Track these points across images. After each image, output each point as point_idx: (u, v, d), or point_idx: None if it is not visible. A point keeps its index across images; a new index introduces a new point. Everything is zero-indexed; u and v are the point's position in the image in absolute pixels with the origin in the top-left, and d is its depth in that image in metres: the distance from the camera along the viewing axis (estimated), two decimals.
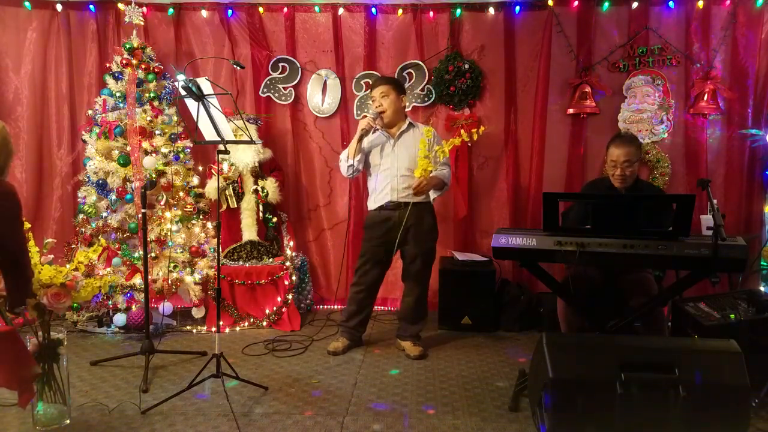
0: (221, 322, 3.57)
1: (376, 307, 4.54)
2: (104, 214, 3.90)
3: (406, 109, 4.36)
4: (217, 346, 2.90)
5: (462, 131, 3.21)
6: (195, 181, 4.12)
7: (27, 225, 2.54)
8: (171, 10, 4.36)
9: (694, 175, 4.16)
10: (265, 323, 4.07)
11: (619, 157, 3.06)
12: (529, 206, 4.40)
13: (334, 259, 4.62)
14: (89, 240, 3.87)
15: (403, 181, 3.41)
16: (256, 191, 4.18)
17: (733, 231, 3.99)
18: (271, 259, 4.19)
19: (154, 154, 3.95)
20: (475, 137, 3.29)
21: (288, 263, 4.14)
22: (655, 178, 4.21)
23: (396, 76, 4.36)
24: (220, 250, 3.29)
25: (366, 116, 3.43)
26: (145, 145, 3.94)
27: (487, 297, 4.04)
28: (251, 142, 3.25)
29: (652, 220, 2.94)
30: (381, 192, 3.46)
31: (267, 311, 4.08)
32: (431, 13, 4.32)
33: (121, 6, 4.26)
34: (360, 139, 3.40)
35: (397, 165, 3.42)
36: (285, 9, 4.37)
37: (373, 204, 3.52)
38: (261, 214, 4.24)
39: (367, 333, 3.94)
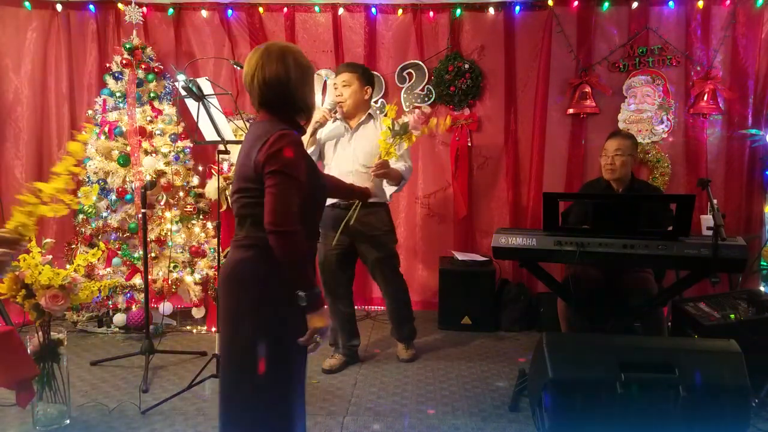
0: None
1: (376, 307, 4.56)
2: (104, 214, 3.90)
3: (406, 109, 4.40)
4: (217, 346, 2.90)
5: (423, 127, 2.96)
6: (195, 181, 4.12)
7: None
8: (171, 10, 4.36)
9: (694, 175, 4.16)
10: None
11: (610, 146, 3.12)
12: (529, 206, 4.40)
13: None
14: (89, 240, 3.87)
15: (359, 177, 3.04)
16: None
17: (733, 231, 3.99)
18: None
19: (154, 154, 3.95)
20: (442, 129, 3.12)
21: None
22: (655, 178, 4.21)
23: (396, 76, 4.37)
24: (220, 250, 3.29)
25: (321, 108, 3.14)
26: (145, 145, 3.94)
27: (487, 297, 4.04)
28: None
29: (652, 219, 2.94)
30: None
31: None
32: (431, 13, 4.32)
33: (121, 6, 4.25)
34: (313, 132, 3.11)
35: (353, 160, 3.14)
36: (285, 9, 4.37)
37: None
38: None
39: (367, 333, 3.94)
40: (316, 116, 3.09)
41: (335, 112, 3.19)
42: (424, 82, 4.36)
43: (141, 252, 3.72)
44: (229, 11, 4.37)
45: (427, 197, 4.50)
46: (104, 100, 3.99)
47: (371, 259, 3.30)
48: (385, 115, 2.96)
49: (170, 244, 3.90)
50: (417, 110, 2.91)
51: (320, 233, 3.19)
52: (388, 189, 3.22)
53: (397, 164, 3.11)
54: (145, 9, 4.20)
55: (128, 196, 3.89)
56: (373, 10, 4.34)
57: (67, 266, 2.62)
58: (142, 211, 3.23)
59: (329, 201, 3.08)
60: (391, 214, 3.38)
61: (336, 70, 3.35)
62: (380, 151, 2.95)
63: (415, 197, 4.52)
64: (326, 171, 3.24)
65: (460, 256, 4.21)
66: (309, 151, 3.14)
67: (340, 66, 3.31)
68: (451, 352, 3.64)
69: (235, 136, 3.49)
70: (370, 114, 3.25)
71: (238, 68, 4.07)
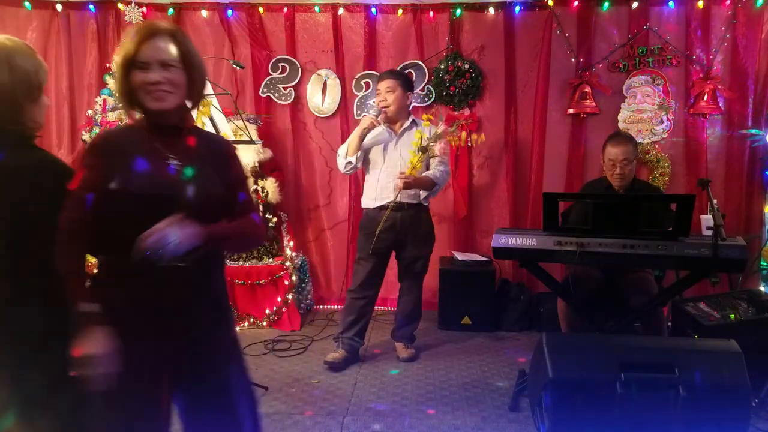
0: None
1: (377, 307, 4.54)
2: None
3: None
4: None
5: (463, 133, 3.15)
6: None
7: None
8: (171, 10, 4.36)
9: (694, 175, 4.16)
10: (265, 323, 4.07)
11: (618, 156, 3.07)
12: (529, 206, 4.40)
13: (334, 259, 4.62)
14: None
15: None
16: (255, 191, 4.18)
17: (733, 231, 3.99)
18: (271, 259, 4.19)
19: None
20: (478, 142, 3.24)
21: (288, 263, 4.14)
22: (655, 178, 4.21)
23: None
24: None
25: (367, 115, 3.34)
26: None
27: (487, 297, 4.04)
28: (251, 142, 3.26)
29: (652, 219, 2.95)
30: (383, 191, 3.31)
31: (267, 311, 4.08)
32: (431, 13, 4.32)
33: (121, 6, 4.26)
34: (361, 138, 3.29)
35: (400, 164, 3.28)
36: (285, 9, 4.37)
37: (372, 202, 3.39)
38: (261, 214, 4.24)
39: (367, 333, 3.92)
40: (364, 123, 3.26)
41: (378, 116, 3.30)
42: (424, 82, 4.36)
43: None
44: (229, 11, 4.37)
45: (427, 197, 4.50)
46: (104, 100, 3.99)
47: (410, 257, 3.41)
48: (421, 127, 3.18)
49: None
50: (441, 143, 3.14)
51: (364, 229, 3.35)
52: (421, 193, 3.34)
53: (433, 170, 3.28)
54: (145, 9, 4.20)
55: None
56: (373, 10, 4.34)
57: None
58: None
59: (376, 203, 3.29)
60: (431, 215, 3.53)
61: (379, 76, 3.51)
62: (409, 164, 3.13)
63: None
64: (374, 175, 3.37)
65: (460, 256, 4.21)
66: (356, 156, 3.28)
67: (383, 73, 3.46)
68: (451, 352, 3.63)
69: (235, 136, 3.49)
70: (414, 120, 3.39)
71: (238, 68, 4.07)
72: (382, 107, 3.30)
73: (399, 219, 3.32)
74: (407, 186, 3.20)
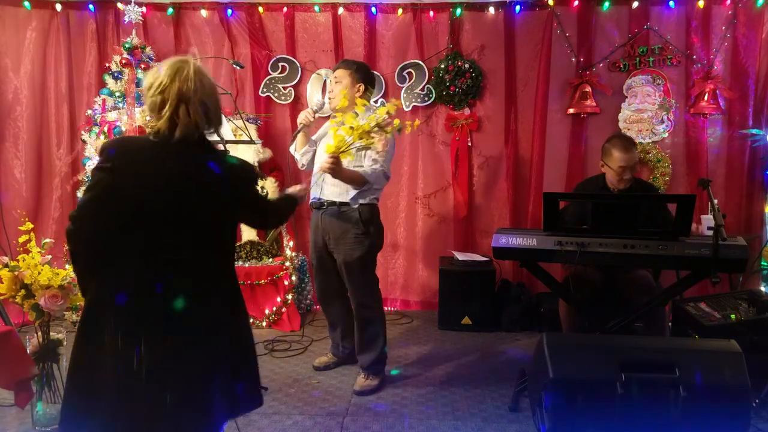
0: None
1: None
2: None
3: (407, 109, 4.40)
4: None
5: (394, 123, 2.58)
6: None
7: (29, 225, 2.55)
8: (170, 10, 4.36)
9: (695, 175, 4.16)
10: (264, 323, 4.07)
11: (629, 162, 3.04)
12: (529, 206, 4.40)
13: None
14: None
15: (331, 177, 2.80)
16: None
17: (734, 231, 3.99)
18: (271, 259, 4.19)
19: None
20: (408, 130, 2.69)
21: (288, 263, 4.13)
22: (655, 178, 4.21)
23: (395, 76, 4.37)
24: None
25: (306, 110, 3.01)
26: None
27: (487, 297, 4.04)
28: (251, 142, 3.26)
29: (652, 219, 2.94)
30: (312, 186, 3.02)
31: (267, 311, 4.07)
32: (431, 13, 4.32)
33: (120, 6, 4.25)
34: (296, 134, 3.01)
35: (324, 157, 2.73)
36: (285, 9, 4.37)
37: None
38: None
39: None
40: (300, 118, 2.99)
41: (316, 111, 3.03)
42: (424, 82, 4.35)
43: None
44: (229, 11, 4.37)
45: (427, 197, 4.50)
46: (103, 100, 3.99)
47: (338, 263, 3.03)
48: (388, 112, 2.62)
49: None
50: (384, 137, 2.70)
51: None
52: (350, 192, 2.91)
53: (365, 168, 2.86)
54: (144, 9, 4.20)
55: None
56: (373, 9, 4.34)
57: (67, 266, 2.61)
58: None
59: (311, 200, 3.07)
60: (372, 217, 2.98)
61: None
62: (333, 145, 2.59)
63: (415, 197, 4.52)
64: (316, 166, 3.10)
65: (460, 256, 4.21)
66: (301, 152, 3.11)
67: (338, 63, 3.16)
68: (451, 352, 3.63)
69: (235, 135, 3.49)
70: (355, 112, 2.78)
71: (238, 68, 4.07)
72: (330, 98, 3.03)
73: (320, 219, 3.02)
74: (334, 171, 2.67)
